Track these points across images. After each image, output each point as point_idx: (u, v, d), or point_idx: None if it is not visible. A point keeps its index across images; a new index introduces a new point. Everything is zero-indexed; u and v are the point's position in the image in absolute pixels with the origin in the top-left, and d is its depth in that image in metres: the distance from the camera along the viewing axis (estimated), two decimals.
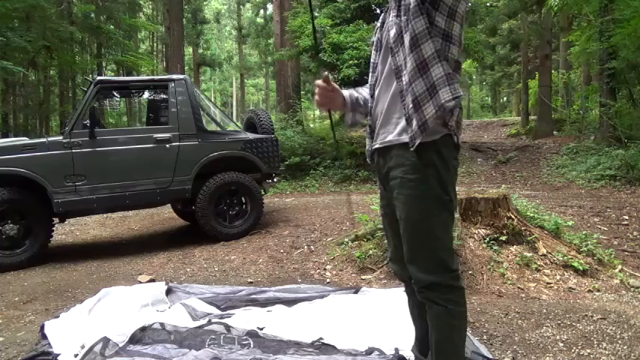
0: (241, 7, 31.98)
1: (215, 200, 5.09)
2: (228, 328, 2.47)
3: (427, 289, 1.59)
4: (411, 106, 1.54)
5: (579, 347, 2.33)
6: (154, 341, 2.36)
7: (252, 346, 2.32)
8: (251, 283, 3.71)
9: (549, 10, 12.26)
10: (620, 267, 3.70)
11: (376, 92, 1.72)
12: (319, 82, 1.69)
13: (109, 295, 3.03)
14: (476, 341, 2.31)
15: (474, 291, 3.21)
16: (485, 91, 40.19)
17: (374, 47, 1.76)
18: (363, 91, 1.83)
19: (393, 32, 1.58)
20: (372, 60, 1.77)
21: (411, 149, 1.55)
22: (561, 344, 2.37)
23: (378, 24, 1.77)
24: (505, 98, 36.29)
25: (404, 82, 1.56)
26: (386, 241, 1.94)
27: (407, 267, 1.76)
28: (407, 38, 1.53)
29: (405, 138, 1.57)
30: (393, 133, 1.63)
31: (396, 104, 1.61)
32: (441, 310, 1.58)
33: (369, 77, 1.78)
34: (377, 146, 1.72)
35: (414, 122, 1.53)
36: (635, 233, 4.70)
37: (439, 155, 1.57)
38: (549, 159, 10.35)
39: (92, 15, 15.59)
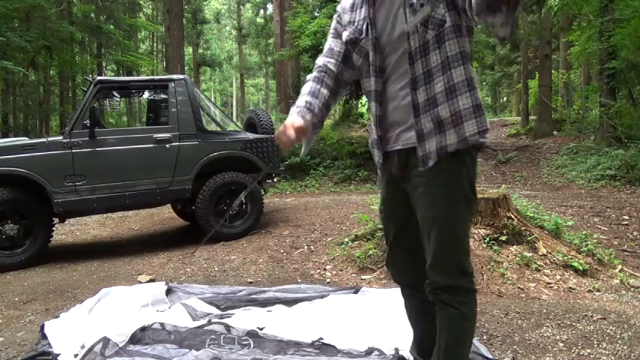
0: (241, 7, 32.00)
1: (215, 200, 5.09)
2: (228, 328, 2.47)
3: (443, 291, 1.56)
4: (430, 126, 1.51)
5: (579, 347, 2.33)
6: (154, 341, 2.36)
7: (252, 346, 2.31)
8: (251, 283, 3.71)
9: (549, 10, 12.24)
10: (620, 267, 3.70)
11: (386, 100, 1.61)
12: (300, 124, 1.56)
13: (109, 295, 3.03)
14: (476, 341, 2.30)
15: None
16: (485, 91, 40.11)
17: (370, 47, 1.59)
18: (319, 95, 1.68)
19: (415, 41, 1.49)
20: (370, 61, 1.60)
21: (420, 169, 1.53)
22: (561, 344, 2.37)
23: (363, 15, 1.60)
24: (505, 98, 36.27)
25: (421, 97, 1.52)
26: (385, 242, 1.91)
27: (410, 268, 1.74)
28: (435, 56, 1.49)
29: (443, 141, 1.52)
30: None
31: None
32: (455, 313, 1.55)
33: (372, 82, 1.61)
34: (399, 147, 1.62)
35: (433, 143, 1.51)
36: (635, 233, 4.70)
37: (470, 154, 1.55)
38: (549, 159, 10.34)
39: (92, 15, 15.60)
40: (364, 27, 1.60)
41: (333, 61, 1.71)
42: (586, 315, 2.74)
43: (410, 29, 1.49)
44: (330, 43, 1.74)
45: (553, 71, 16.14)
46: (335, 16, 1.74)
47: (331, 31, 1.75)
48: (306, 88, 1.72)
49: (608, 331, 2.51)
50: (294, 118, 1.59)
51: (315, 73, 1.74)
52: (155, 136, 4.93)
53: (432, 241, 1.55)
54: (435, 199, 1.53)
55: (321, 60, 1.74)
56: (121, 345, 2.31)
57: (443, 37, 1.48)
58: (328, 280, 3.67)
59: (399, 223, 1.71)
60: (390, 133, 1.64)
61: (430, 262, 1.58)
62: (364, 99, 12.62)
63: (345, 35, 1.67)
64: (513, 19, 1.18)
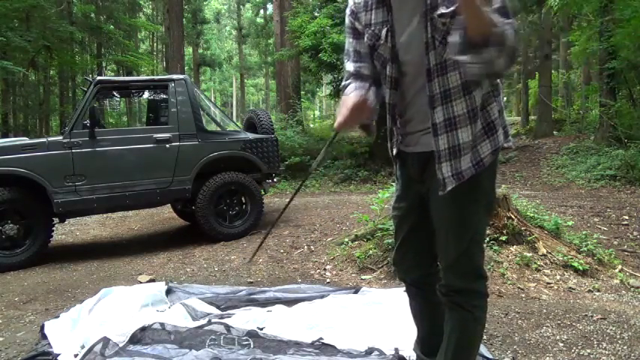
0: (241, 7, 31.97)
1: (215, 200, 5.09)
2: (228, 328, 2.47)
3: (458, 293, 1.55)
4: (445, 146, 1.47)
5: (579, 347, 2.33)
6: (154, 341, 2.36)
7: (252, 346, 2.31)
8: (251, 283, 3.71)
9: (549, 10, 12.26)
10: (620, 267, 3.70)
11: (405, 91, 1.55)
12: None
13: (109, 295, 3.03)
14: None
15: None
16: None
17: (388, 56, 1.52)
18: (369, 85, 1.57)
19: (434, 58, 1.42)
20: (387, 71, 1.54)
21: (440, 192, 1.49)
22: (561, 344, 2.37)
23: (380, 19, 1.51)
24: (505, 98, 36.27)
25: (438, 117, 1.46)
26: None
27: (417, 267, 1.73)
28: (455, 76, 1.42)
29: (457, 167, 1.49)
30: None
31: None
32: (468, 316, 1.55)
33: (387, 94, 1.56)
34: (420, 150, 1.57)
35: (448, 168, 1.47)
36: (635, 233, 4.70)
37: (495, 159, 1.55)
38: (549, 159, 10.34)
39: (92, 15, 15.60)
40: (383, 33, 1.50)
41: (364, 64, 1.60)
42: (586, 315, 2.74)
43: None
44: (354, 45, 1.61)
45: (553, 71, 16.15)
46: (348, 13, 1.60)
47: (348, 30, 1.62)
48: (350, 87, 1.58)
49: (608, 331, 2.51)
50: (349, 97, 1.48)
51: (350, 80, 1.61)
52: (155, 136, 4.93)
53: (450, 243, 1.53)
54: (456, 201, 1.50)
55: (351, 66, 1.61)
56: (121, 345, 2.31)
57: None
58: (328, 280, 3.67)
59: (413, 222, 1.69)
60: (409, 137, 1.60)
61: (447, 264, 1.56)
62: None
63: (365, 39, 1.57)
64: (491, 56, 1.17)
